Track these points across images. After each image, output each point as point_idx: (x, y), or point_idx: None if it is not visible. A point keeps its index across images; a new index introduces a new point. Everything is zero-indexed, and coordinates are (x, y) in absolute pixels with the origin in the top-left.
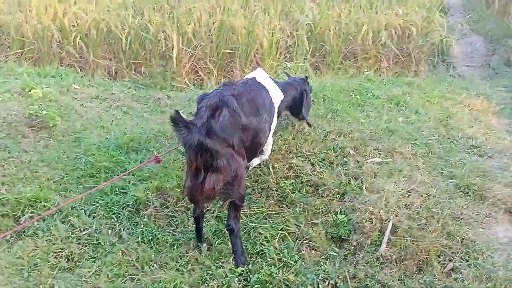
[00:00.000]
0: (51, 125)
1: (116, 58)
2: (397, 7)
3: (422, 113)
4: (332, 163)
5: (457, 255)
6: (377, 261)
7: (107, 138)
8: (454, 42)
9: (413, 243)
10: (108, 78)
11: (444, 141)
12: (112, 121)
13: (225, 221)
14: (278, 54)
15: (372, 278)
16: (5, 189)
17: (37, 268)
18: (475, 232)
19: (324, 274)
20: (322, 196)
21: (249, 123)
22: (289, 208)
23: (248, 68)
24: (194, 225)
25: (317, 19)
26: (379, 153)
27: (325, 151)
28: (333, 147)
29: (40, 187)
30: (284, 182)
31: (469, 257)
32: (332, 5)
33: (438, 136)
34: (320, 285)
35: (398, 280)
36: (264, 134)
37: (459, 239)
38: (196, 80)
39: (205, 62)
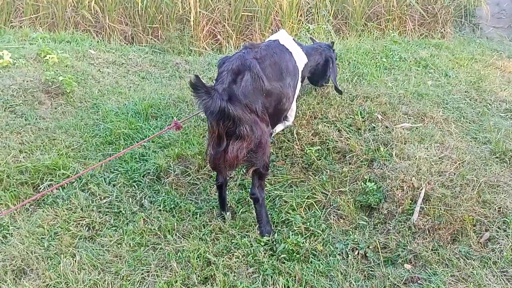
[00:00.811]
0: (68, 91)
1: (132, 22)
2: None
3: (452, 76)
4: (359, 129)
5: (494, 225)
6: (409, 231)
7: (125, 104)
8: (483, 2)
9: (446, 212)
10: (124, 43)
11: (477, 105)
12: (130, 87)
13: (249, 189)
14: (299, 16)
15: (404, 248)
16: (23, 157)
17: (57, 237)
18: None
19: (353, 243)
20: (350, 163)
21: (272, 88)
22: (315, 176)
23: (268, 31)
24: (217, 193)
25: None
26: (408, 118)
27: (351, 117)
28: (360, 112)
29: (58, 154)
30: (309, 149)
31: (507, 226)
32: None
33: (470, 99)
34: (349, 255)
35: (432, 250)
36: (288, 100)
37: (496, 208)
38: (215, 44)
39: (223, 26)
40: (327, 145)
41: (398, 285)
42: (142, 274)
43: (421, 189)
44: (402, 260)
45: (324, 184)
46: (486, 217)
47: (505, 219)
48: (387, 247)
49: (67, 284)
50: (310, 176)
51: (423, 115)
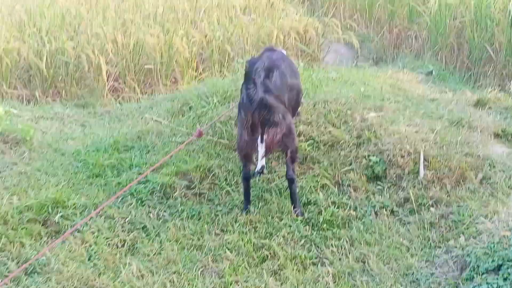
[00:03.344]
0: (27, 139)
1: (28, 85)
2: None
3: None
4: (334, 124)
5: (483, 168)
6: (420, 185)
7: (87, 145)
8: None
9: (444, 165)
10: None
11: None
12: (77, 132)
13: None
14: (195, 67)
15: (423, 197)
16: (18, 198)
17: (97, 256)
18: (483, 150)
19: (379, 204)
20: (342, 149)
21: (292, 84)
22: (314, 165)
23: (169, 80)
24: (242, 187)
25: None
26: (369, 111)
27: (322, 117)
28: (327, 112)
29: (56, 190)
30: (301, 144)
31: (492, 167)
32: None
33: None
34: (378, 213)
35: (445, 193)
36: (302, 95)
37: (477, 156)
38: (118, 97)
39: (127, 81)
40: (314, 139)
41: (434, 222)
42: (201, 268)
43: (421, 151)
44: (424, 207)
45: (326, 169)
46: (475, 164)
47: (489, 162)
48: (408, 200)
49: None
50: (311, 166)
51: (380, 107)
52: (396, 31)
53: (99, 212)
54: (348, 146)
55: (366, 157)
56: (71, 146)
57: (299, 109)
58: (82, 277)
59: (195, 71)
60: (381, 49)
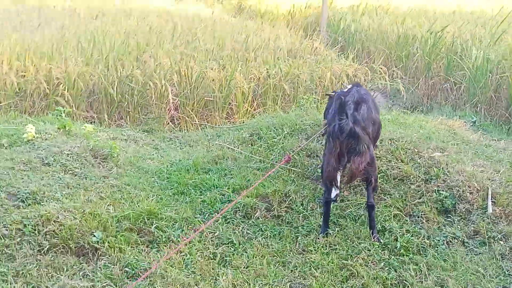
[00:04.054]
0: (114, 155)
1: (96, 108)
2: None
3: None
4: (402, 160)
5: None
6: (488, 219)
7: (167, 165)
8: None
9: (511, 203)
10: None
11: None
12: (153, 154)
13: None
14: (250, 103)
15: (492, 231)
16: (113, 209)
17: (193, 265)
18: None
19: (450, 235)
20: (411, 184)
21: (376, 118)
22: (385, 196)
23: (225, 113)
24: (322, 211)
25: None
26: (433, 150)
27: (391, 153)
28: (393, 150)
29: (147, 204)
30: None
31: None
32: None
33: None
34: (450, 243)
35: None
36: (380, 129)
37: None
38: (177, 126)
39: (186, 110)
40: (385, 173)
41: (504, 253)
42: (288, 282)
43: (488, 188)
44: (494, 240)
45: (398, 201)
46: None
47: None
48: (478, 232)
49: None
50: (382, 198)
51: (443, 148)
52: (431, 82)
53: (193, 227)
54: (417, 181)
55: (436, 191)
56: (152, 166)
57: (377, 142)
58: (183, 283)
59: (250, 107)
60: (416, 98)
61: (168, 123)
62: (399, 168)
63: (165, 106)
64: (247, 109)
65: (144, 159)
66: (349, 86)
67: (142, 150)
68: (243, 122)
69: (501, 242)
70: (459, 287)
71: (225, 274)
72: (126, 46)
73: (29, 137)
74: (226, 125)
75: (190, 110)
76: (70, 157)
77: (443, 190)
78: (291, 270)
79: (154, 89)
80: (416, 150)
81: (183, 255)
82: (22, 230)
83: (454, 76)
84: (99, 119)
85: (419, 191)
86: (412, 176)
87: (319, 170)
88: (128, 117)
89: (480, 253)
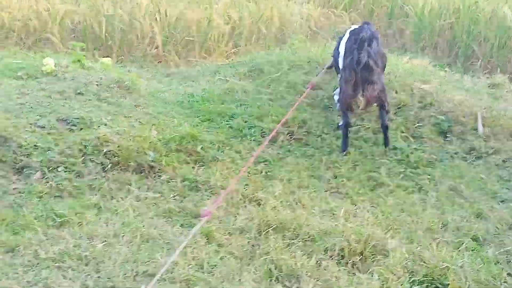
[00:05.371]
0: (137, 87)
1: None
2: None
3: None
4: (397, 91)
5: None
6: (481, 138)
7: (185, 97)
8: None
9: (500, 123)
10: None
11: None
12: (163, 87)
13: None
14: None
15: (485, 147)
16: (157, 133)
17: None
18: None
19: (452, 151)
20: (410, 111)
21: (383, 53)
22: (390, 121)
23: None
24: (342, 134)
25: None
26: None
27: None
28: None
29: (189, 128)
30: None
31: None
32: None
33: None
34: (452, 158)
35: (501, 145)
36: (387, 62)
37: None
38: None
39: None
40: None
41: (500, 164)
42: (325, 191)
43: (478, 113)
44: (487, 155)
45: (401, 126)
46: None
47: None
48: (474, 150)
49: None
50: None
51: (426, 81)
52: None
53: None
54: (414, 108)
55: (433, 116)
56: (170, 97)
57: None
58: (243, 193)
59: (226, 46)
60: None
61: (160, 62)
62: (396, 98)
63: (149, 44)
64: (225, 50)
65: (159, 92)
66: (353, 26)
67: (152, 84)
68: (232, 60)
69: (494, 156)
70: (470, 190)
71: (274, 185)
72: None
73: (47, 70)
74: (217, 62)
75: (171, 49)
76: (100, 87)
77: (439, 115)
78: (324, 182)
79: (140, 28)
80: (406, 83)
81: (228, 167)
82: (83, 151)
83: (396, 23)
84: (88, 57)
85: (417, 116)
86: (409, 104)
87: (332, 98)
88: (115, 55)
89: (478, 165)
